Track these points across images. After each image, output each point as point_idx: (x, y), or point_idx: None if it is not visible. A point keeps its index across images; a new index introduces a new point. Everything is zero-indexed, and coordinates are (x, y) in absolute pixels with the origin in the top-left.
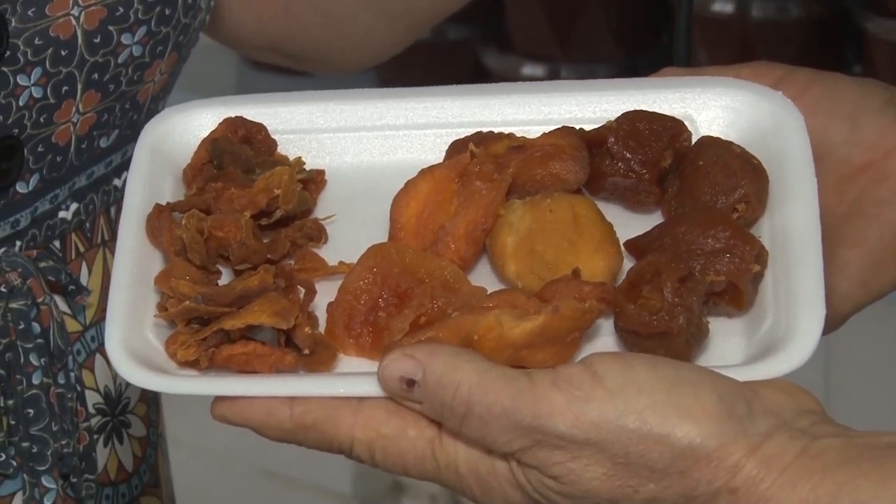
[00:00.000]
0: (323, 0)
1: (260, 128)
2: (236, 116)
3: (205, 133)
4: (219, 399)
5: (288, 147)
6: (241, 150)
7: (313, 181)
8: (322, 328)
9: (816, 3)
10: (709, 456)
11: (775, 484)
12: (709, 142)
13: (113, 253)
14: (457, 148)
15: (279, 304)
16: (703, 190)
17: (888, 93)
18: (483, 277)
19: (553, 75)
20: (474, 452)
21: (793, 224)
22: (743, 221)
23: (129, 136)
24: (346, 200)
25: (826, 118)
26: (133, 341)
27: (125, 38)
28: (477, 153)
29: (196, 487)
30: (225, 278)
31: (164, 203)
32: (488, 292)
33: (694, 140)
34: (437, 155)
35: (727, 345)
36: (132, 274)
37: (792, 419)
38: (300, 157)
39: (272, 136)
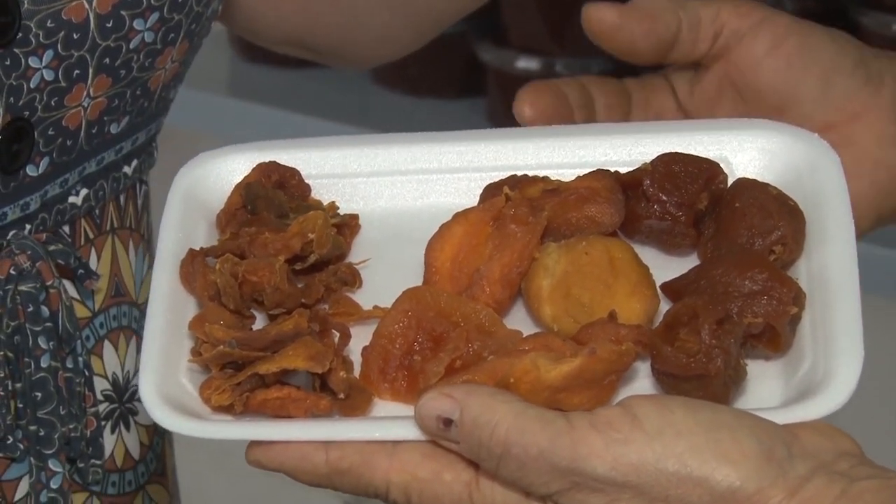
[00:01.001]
0: None
1: (293, 172)
2: (270, 161)
3: (238, 178)
4: (253, 444)
5: (322, 192)
6: (274, 194)
7: (347, 226)
8: (357, 372)
9: None
10: (749, 499)
11: None
12: (745, 184)
13: (122, 241)
14: (491, 191)
15: (314, 349)
16: (740, 232)
17: (858, 52)
18: (518, 321)
19: (548, 69)
20: (512, 495)
21: (830, 266)
22: (780, 263)
23: (140, 123)
24: (380, 245)
25: (800, 73)
26: (167, 386)
27: (137, 24)
28: (512, 196)
29: (194, 482)
30: (259, 323)
31: (197, 248)
32: (524, 335)
33: (730, 182)
34: (471, 199)
35: (765, 387)
36: (166, 319)
37: (831, 462)
38: (334, 202)
39: (306, 181)
